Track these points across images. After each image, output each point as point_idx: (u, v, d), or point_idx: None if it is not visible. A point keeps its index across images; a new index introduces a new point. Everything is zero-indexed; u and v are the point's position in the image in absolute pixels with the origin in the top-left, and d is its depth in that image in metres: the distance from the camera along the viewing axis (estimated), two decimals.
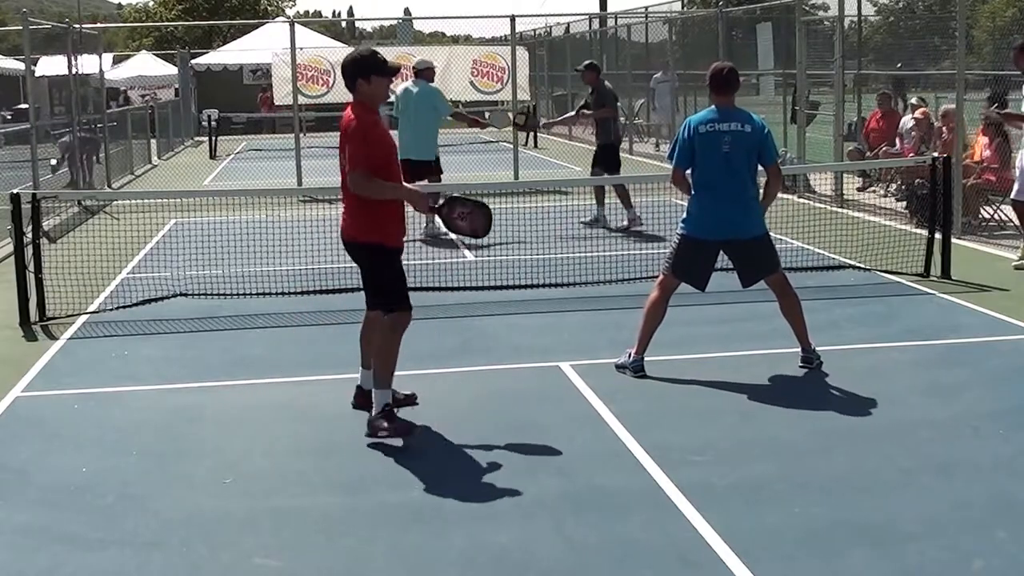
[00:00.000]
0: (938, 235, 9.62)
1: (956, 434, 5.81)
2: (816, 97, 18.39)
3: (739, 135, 6.71)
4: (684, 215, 6.95)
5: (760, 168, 6.92)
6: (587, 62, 13.58)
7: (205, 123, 27.44)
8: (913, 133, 14.89)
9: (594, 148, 13.47)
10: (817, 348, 7.00)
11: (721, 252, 6.99)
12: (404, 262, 6.02)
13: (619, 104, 12.94)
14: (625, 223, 12.75)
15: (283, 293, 9.33)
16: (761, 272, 6.94)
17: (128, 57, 42.75)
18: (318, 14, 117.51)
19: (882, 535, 4.55)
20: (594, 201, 13.30)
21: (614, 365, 7.00)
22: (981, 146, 12.55)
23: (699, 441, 5.72)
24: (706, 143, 6.75)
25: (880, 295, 9.13)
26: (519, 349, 7.63)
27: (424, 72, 12.67)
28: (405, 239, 6.05)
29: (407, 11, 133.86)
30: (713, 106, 6.84)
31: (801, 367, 6.93)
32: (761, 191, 6.98)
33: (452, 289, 9.36)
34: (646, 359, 6.90)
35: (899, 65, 18.45)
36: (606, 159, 12.97)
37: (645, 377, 6.83)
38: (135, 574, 4.41)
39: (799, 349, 6.98)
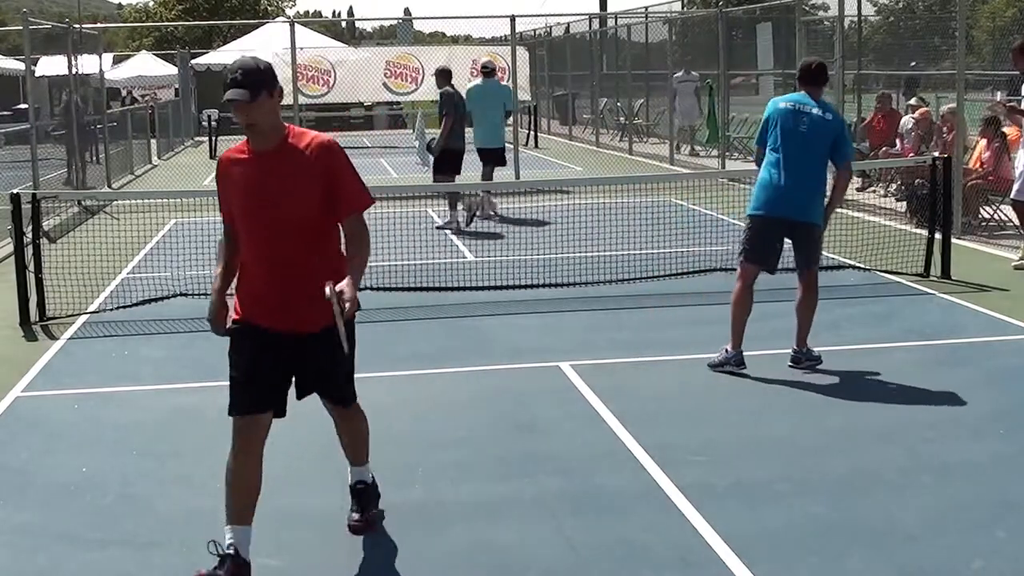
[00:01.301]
0: (938, 235, 9.63)
1: (956, 434, 5.81)
2: None
3: (819, 120, 6.76)
4: (751, 196, 6.93)
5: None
6: (437, 67, 14.49)
7: (205, 123, 27.44)
8: (913, 133, 14.89)
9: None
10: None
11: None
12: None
13: (460, 107, 13.82)
14: (441, 223, 13.38)
15: None
16: (809, 261, 6.92)
17: (128, 57, 42.73)
18: (318, 14, 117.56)
19: (882, 535, 4.55)
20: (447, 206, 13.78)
21: (707, 365, 6.95)
22: (981, 148, 12.57)
23: (699, 441, 5.72)
24: (786, 119, 6.80)
25: (880, 295, 9.13)
26: (519, 349, 7.62)
27: (493, 72, 14.73)
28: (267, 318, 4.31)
29: (407, 11, 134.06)
30: (803, 91, 6.91)
31: (789, 366, 6.93)
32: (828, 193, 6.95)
33: (452, 289, 9.36)
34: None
35: (913, 64, 18.33)
36: (446, 163, 13.60)
37: (745, 374, 6.80)
38: (135, 574, 4.41)
39: (792, 347, 6.98)
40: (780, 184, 6.76)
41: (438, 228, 13.15)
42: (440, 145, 13.49)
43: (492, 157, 14.25)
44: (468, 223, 13.20)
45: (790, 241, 6.94)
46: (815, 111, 6.79)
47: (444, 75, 13.88)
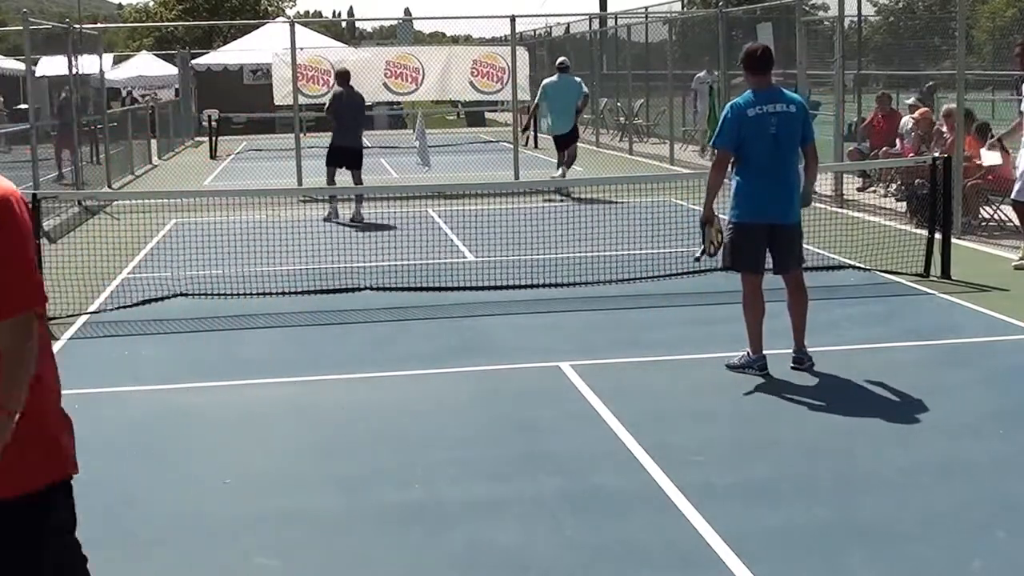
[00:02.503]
0: (938, 235, 9.62)
1: (956, 434, 5.81)
2: (816, 97, 18.37)
3: (785, 116, 6.68)
4: (732, 206, 6.84)
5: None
6: (337, 70, 14.93)
7: (205, 123, 27.45)
8: (913, 133, 14.90)
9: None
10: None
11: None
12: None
13: (343, 109, 14.10)
14: (337, 213, 13.77)
15: (283, 293, 9.32)
16: (793, 261, 6.89)
17: (128, 57, 42.74)
18: (318, 14, 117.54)
19: (882, 535, 4.55)
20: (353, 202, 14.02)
21: (725, 365, 6.92)
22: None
23: (699, 441, 5.72)
24: (755, 126, 6.67)
25: (880, 295, 9.13)
26: (519, 349, 7.62)
27: (567, 68, 16.82)
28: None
29: (407, 11, 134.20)
30: (750, 91, 6.80)
31: (792, 367, 6.90)
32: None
33: (452, 289, 9.36)
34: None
35: (928, 84, 18.01)
36: (336, 160, 14.21)
37: (769, 376, 6.74)
38: (135, 574, 4.41)
39: (792, 349, 6.97)
40: (761, 190, 6.71)
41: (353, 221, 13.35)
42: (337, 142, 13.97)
43: (565, 142, 16.19)
44: (328, 218, 13.51)
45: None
46: (779, 107, 6.68)
47: (340, 76, 14.29)
